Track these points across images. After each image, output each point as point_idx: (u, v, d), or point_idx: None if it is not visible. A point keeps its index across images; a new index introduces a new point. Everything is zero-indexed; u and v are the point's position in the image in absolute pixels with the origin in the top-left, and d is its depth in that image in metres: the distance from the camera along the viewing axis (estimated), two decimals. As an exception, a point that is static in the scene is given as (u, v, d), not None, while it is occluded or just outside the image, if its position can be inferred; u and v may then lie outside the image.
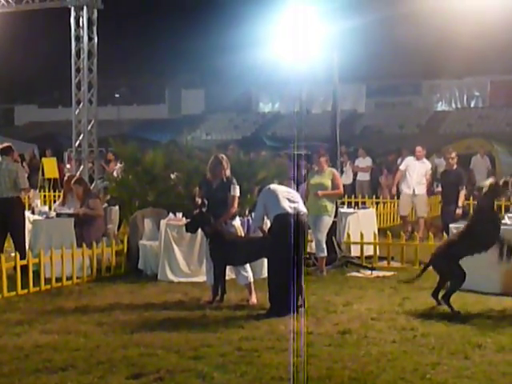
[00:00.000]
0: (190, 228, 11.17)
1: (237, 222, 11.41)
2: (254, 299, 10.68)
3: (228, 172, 11.05)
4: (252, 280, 10.86)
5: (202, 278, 11.86)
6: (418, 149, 18.24)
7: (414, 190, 17.54)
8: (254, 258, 11.15)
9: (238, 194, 10.96)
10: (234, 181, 10.99)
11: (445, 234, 13.24)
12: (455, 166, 15.85)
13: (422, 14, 21.11)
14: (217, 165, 11.00)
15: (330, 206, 13.41)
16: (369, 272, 13.24)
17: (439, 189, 15.32)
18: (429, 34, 27.59)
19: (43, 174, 27.76)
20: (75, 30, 22.41)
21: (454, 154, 16.02)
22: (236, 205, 11.01)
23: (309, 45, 16.90)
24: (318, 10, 16.35)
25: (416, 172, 17.69)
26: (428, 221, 17.77)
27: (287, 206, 10.33)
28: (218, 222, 10.68)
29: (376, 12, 19.14)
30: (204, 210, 10.89)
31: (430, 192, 19.01)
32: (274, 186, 10.87)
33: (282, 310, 9.68)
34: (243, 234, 11.84)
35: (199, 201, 11.01)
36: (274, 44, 18.37)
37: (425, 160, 18.11)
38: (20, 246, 12.61)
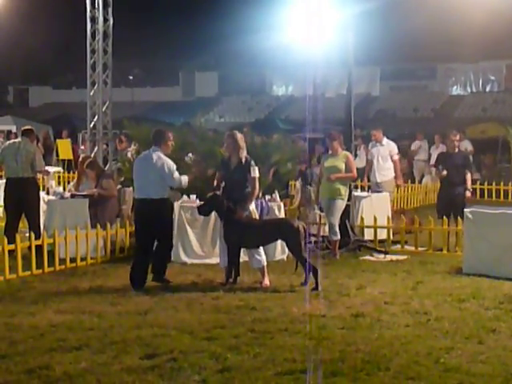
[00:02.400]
0: (203, 211, 11.12)
1: (252, 204, 11.32)
2: (266, 281, 10.68)
3: (245, 152, 10.93)
4: (265, 263, 10.85)
5: (215, 260, 11.89)
6: (373, 132, 17.77)
7: (378, 177, 17.03)
8: (268, 241, 11.16)
9: (257, 175, 10.90)
10: (253, 162, 10.90)
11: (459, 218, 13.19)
12: (457, 149, 15.56)
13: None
14: (231, 142, 10.95)
15: (344, 189, 13.39)
16: (382, 256, 13.23)
17: (444, 172, 14.98)
18: (445, 18, 27.47)
19: (58, 155, 27.83)
20: (90, 12, 22.40)
21: (458, 137, 15.75)
22: (257, 186, 10.96)
23: (323, 28, 16.86)
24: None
25: (378, 157, 17.11)
26: (397, 209, 17.40)
27: None
28: (243, 205, 10.65)
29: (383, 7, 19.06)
30: (218, 192, 10.89)
31: (402, 177, 18.75)
32: None
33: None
34: (257, 217, 11.78)
35: (215, 183, 11.04)
36: (289, 27, 18.30)
37: (385, 142, 17.31)
38: (35, 227, 12.65)
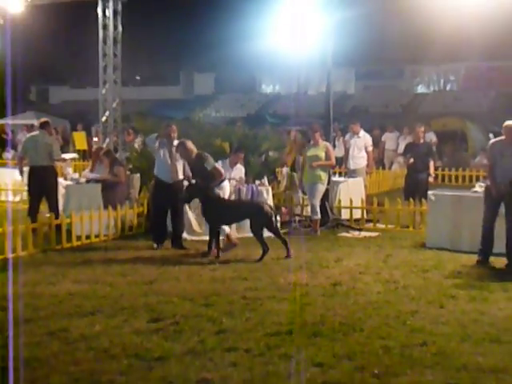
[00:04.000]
0: (185, 198, 11.48)
1: (225, 187, 11.65)
2: (235, 240, 11.45)
3: (194, 152, 11.43)
4: (229, 231, 11.41)
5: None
6: (352, 126, 17.55)
7: (352, 164, 16.89)
8: (239, 219, 11.55)
9: (213, 165, 11.33)
10: (205, 155, 11.40)
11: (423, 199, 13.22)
12: (422, 140, 15.58)
13: (406, 6, 20.97)
14: (183, 150, 11.44)
15: (324, 175, 13.41)
16: (357, 233, 13.27)
17: (411, 160, 14.97)
18: (412, 25, 27.44)
19: (74, 146, 27.75)
20: (102, 20, 22.28)
21: (422, 129, 15.79)
22: (220, 171, 11.38)
23: (305, 34, 16.85)
24: (315, 2, 16.28)
25: (354, 147, 16.94)
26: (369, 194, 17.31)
27: None
28: (207, 189, 11.03)
29: (366, 5, 19.03)
30: (194, 181, 11.34)
31: (374, 164, 19.07)
32: None
33: None
34: (231, 198, 12.28)
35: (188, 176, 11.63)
36: (275, 34, 18.31)
37: (361, 134, 17.11)
38: (54, 208, 12.64)
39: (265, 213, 10.81)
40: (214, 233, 10.89)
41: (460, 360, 5.97)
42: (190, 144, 11.44)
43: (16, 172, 14.18)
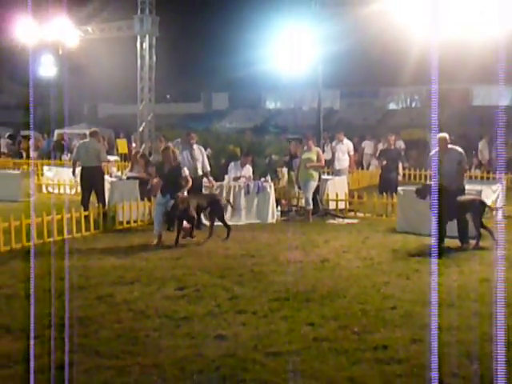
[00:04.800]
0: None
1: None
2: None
3: (178, 159, 10.68)
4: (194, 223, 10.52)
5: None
6: (337, 135, 17.74)
7: (337, 165, 17.13)
8: (203, 209, 10.79)
9: (187, 173, 10.53)
10: (182, 165, 10.71)
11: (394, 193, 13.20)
12: (393, 146, 15.74)
13: (380, 40, 20.99)
14: (168, 154, 10.52)
15: (315, 174, 13.38)
16: (341, 220, 13.23)
17: (384, 162, 15.09)
18: (385, 54, 27.35)
19: (117, 150, 27.76)
20: (140, 52, 22.32)
21: (393, 138, 15.94)
22: (189, 180, 10.47)
23: (301, 61, 16.92)
24: (309, 37, 16.34)
25: (339, 152, 17.21)
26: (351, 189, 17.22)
27: None
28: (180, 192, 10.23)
29: (349, 39, 19.06)
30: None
31: (355, 165, 19.40)
32: None
33: None
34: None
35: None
36: (278, 60, 18.40)
37: (345, 142, 17.31)
38: (101, 199, 12.64)
39: (220, 203, 10.83)
40: (181, 222, 10.28)
41: (423, 320, 5.97)
42: (176, 153, 10.79)
43: (70, 171, 14.17)
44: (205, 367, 4.93)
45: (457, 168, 10.04)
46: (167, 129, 17.86)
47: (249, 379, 4.70)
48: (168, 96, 51.71)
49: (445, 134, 10.20)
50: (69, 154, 22.82)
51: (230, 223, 11.14)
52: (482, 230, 9.89)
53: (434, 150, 10.25)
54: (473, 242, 9.78)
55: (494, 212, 11.46)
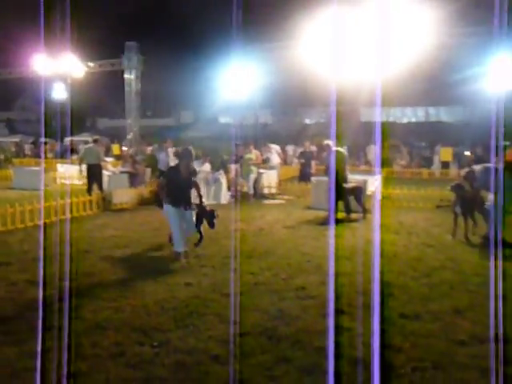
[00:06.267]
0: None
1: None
2: None
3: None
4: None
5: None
6: (271, 145, 17.84)
7: (270, 162, 16.92)
8: None
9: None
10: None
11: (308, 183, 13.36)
12: (308, 149, 16.04)
13: (298, 71, 21.02)
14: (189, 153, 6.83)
15: (255, 169, 13.43)
16: (273, 201, 13.31)
17: (302, 161, 15.45)
18: (303, 83, 27.47)
19: (112, 153, 27.06)
20: (127, 80, 21.67)
21: (308, 143, 16.25)
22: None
23: (242, 89, 16.93)
24: (251, 70, 16.29)
25: (273, 152, 17.27)
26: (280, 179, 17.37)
27: None
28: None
29: (278, 73, 19.16)
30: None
31: (284, 162, 19.68)
32: None
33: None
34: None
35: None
36: (227, 88, 18.40)
37: (274, 146, 17.70)
38: (100, 188, 12.35)
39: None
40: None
41: (324, 268, 6.11)
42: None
43: (77, 167, 13.77)
44: (178, 305, 4.91)
45: (341, 164, 9.85)
46: (149, 136, 17.53)
47: (209, 312, 4.72)
48: (148, 113, 50.90)
49: (329, 142, 9.98)
50: (75, 155, 22.12)
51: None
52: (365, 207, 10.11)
53: (332, 150, 9.98)
54: (360, 215, 9.96)
55: (373, 194, 11.75)
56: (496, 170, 7.46)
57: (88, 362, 3.69)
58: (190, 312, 4.72)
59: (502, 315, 4.46)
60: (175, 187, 6.57)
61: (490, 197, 7.58)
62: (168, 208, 6.62)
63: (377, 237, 8.08)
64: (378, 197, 12.18)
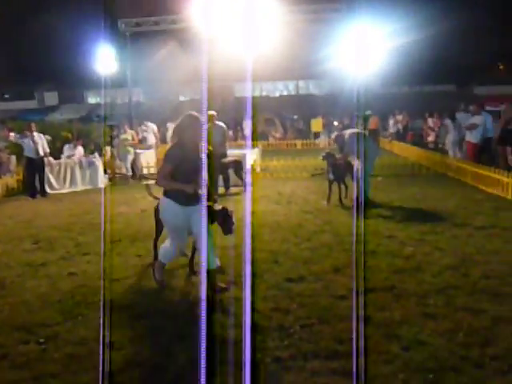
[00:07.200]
0: None
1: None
2: None
3: None
4: None
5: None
6: (149, 123, 16.02)
7: (147, 142, 15.67)
8: None
9: None
10: None
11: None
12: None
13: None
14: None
15: (131, 149, 13.12)
16: (153, 181, 13.01)
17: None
18: (176, 61, 26.91)
19: None
20: None
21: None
22: None
23: (116, 68, 16.09)
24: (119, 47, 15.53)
25: (150, 131, 15.80)
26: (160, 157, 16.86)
27: None
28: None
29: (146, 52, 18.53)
30: None
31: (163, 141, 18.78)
32: None
33: None
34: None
35: None
36: (99, 63, 17.34)
37: (150, 125, 15.96)
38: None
39: None
40: None
41: (290, 253, 6.21)
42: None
43: None
44: (63, 297, 4.69)
45: (220, 139, 9.68)
46: (10, 121, 15.90)
47: (97, 300, 4.58)
48: (6, 96, 46.21)
49: (213, 112, 9.57)
50: None
51: (69, 190, 10.48)
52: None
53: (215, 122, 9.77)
54: (240, 188, 10.18)
55: (252, 167, 12.13)
56: (364, 135, 8.41)
57: (-34, 370, 3.39)
58: (77, 302, 4.55)
59: (373, 269, 5.00)
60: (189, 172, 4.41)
61: (357, 162, 8.35)
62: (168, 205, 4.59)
63: (248, 208, 8.35)
64: (258, 169, 12.66)
